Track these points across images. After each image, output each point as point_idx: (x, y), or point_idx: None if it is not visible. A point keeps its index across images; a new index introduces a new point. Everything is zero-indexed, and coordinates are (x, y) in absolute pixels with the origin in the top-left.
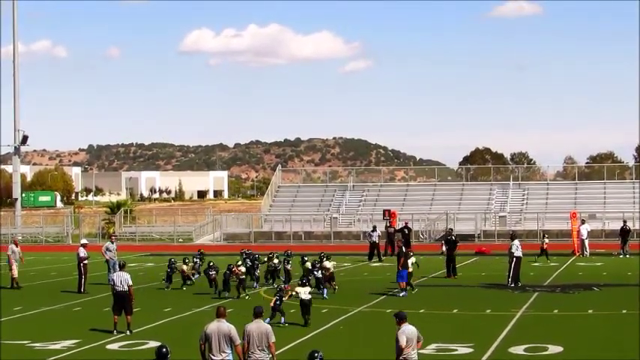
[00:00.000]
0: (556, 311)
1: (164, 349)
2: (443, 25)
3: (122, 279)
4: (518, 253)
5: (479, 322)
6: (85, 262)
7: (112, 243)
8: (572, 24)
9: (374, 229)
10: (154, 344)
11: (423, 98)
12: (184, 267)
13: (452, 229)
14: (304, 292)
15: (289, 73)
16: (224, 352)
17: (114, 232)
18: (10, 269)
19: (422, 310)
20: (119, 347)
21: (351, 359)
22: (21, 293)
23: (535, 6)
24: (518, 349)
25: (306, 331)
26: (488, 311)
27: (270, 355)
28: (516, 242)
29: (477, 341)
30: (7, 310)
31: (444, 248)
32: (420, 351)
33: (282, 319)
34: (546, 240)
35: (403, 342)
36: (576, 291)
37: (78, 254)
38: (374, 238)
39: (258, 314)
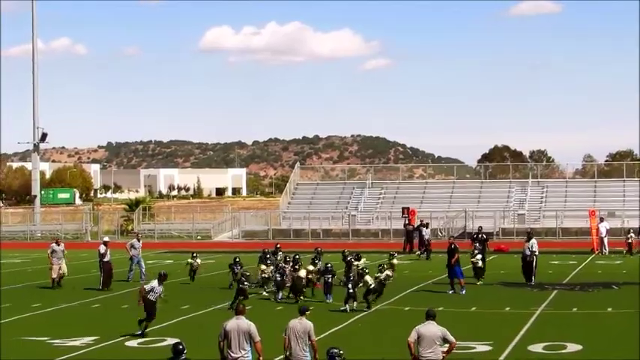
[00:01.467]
0: (575, 309)
1: (180, 346)
2: (461, 24)
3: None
4: (537, 251)
5: (498, 320)
6: (106, 259)
7: (138, 241)
8: (591, 22)
9: (426, 225)
10: (171, 341)
11: (442, 96)
12: (262, 266)
13: (481, 227)
14: (370, 280)
15: (308, 71)
16: (243, 349)
17: (139, 231)
18: (50, 268)
19: (441, 308)
20: (138, 344)
21: (367, 357)
22: (40, 290)
23: (554, 4)
24: (537, 348)
25: (324, 328)
26: (507, 309)
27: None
28: (534, 241)
29: (495, 339)
30: (26, 306)
31: (476, 245)
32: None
33: (355, 304)
34: (632, 235)
35: (410, 337)
36: (595, 289)
37: (99, 251)
38: (427, 236)
39: (302, 312)
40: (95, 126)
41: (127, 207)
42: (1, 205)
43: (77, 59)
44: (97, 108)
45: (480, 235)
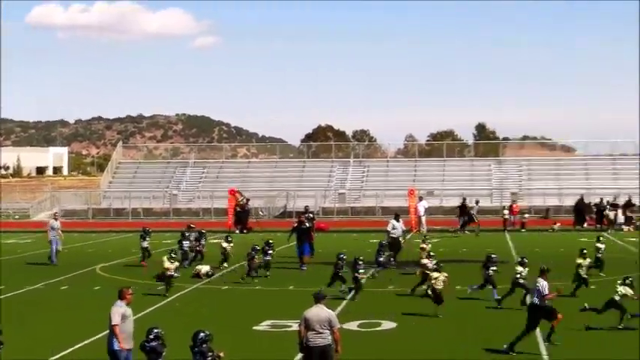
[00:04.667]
0: (391, 288)
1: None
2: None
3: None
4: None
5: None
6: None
7: (56, 220)
8: None
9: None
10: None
11: (267, 75)
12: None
13: (308, 207)
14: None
15: (136, 49)
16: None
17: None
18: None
19: (291, 287)
20: None
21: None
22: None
23: None
24: (352, 326)
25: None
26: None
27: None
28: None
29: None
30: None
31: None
32: None
33: (342, 286)
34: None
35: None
36: (408, 269)
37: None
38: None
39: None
40: None
41: None
42: None
43: None
44: None
45: (308, 215)
